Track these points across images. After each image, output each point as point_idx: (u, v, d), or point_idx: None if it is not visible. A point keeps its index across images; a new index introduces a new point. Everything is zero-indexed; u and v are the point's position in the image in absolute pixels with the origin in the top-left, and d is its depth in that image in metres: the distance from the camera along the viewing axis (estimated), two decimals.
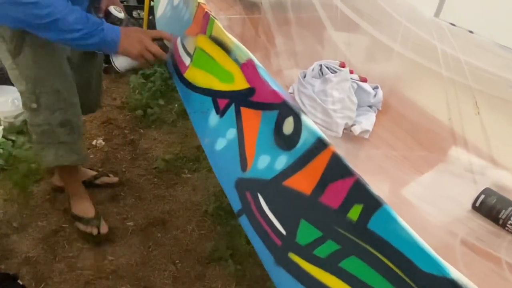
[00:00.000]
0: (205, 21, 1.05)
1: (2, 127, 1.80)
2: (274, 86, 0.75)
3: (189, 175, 1.93)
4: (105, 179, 1.77)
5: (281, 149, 0.71)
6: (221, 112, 0.91)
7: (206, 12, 1.05)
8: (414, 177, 1.02)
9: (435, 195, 0.98)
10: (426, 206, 0.92)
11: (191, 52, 1.12)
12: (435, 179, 1.04)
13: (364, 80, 1.13)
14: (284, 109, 0.71)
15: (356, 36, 1.27)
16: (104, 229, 1.53)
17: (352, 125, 1.07)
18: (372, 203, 0.52)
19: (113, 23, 1.26)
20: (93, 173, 1.76)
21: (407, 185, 0.99)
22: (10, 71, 1.20)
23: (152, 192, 1.80)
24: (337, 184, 0.58)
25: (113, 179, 1.79)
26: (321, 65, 1.09)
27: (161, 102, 2.38)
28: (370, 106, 1.14)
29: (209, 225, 1.66)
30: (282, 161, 0.70)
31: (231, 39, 0.91)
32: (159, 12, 1.49)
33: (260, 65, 0.82)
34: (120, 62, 1.14)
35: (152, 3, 2.64)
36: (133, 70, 1.22)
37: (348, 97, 1.03)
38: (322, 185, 0.61)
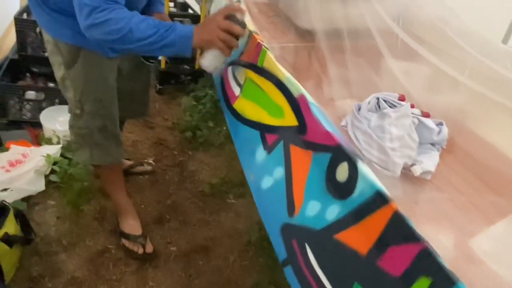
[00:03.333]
0: (257, 51, 1.03)
1: (61, 145, 1.89)
2: (328, 126, 0.69)
3: (233, 201, 1.90)
4: (140, 168, 1.98)
5: (333, 197, 0.65)
6: (269, 148, 0.86)
7: (259, 42, 1.02)
8: (483, 228, 0.90)
9: (509, 250, 0.85)
10: (497, 265, 0.80)
11: (241, 82, 1.09)
12: (509, 231, 0.92)
13: (426, 115, 1.03)
14: (338, 153, 0.65)
15: (416, 66, 1.17)
16: (149, 248, 1.56)
17: (412, 165, 0.97)
18: (444, 279, 0.44)
19: None
20: (129, 162, 1.95)
21: (475, 237, 0.87)
22: (61, 80, 1.31)
23: (196, 216, 1.79)
24: (399, 248, 0.50)
25: (146, 168, 2.00)
26: (378, 98, 1.01)
27: (210, 124, 2.40)
28: (433, 144, 1.04)
29: (251, 256, 1.61)
30: (334, 210, 0.63)
31: (283, 72, 0.87)
32: None
33: (313, 101, 0.77)
34: (207, 60, 1.06)
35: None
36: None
37: (408, 134, 0.94)
38: (380, 246, 0.53)
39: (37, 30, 2.17)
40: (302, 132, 0.76)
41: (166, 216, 1.77)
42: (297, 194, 0.72)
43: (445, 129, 1.03)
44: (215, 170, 2.10)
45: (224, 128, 2.39)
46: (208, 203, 1.87)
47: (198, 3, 3.35)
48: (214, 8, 1.71)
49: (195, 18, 2.86)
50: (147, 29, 0.99)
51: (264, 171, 0.84)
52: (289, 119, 0.82)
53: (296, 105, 0.80)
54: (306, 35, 1.26)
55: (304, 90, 0.79)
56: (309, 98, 0.77)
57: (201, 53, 1.07)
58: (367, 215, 0.57)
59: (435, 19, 1.25)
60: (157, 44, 1.00)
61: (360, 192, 0.59)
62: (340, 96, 1.21)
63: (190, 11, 3.06)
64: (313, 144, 0.72)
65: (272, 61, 0.92)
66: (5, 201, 1.41)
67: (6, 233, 1.29)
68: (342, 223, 0.61)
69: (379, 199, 0.55)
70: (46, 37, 1.25)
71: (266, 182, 0.82)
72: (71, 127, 1.40)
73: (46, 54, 1.33)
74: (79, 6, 0.99)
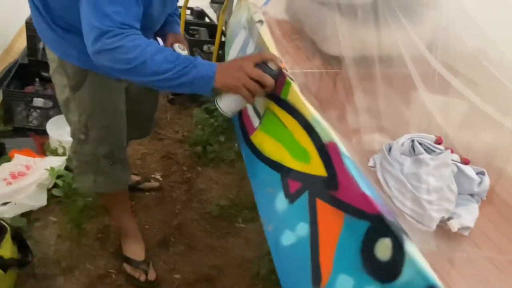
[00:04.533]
0: (280, 81, 0.93)
1: (66, 157, 1.82)
2: (367, 188, 0.59)
3: (242, 225, 1.80)
4: (147, 185, 1.89)
5: (370, 276, 0.55)
6: (291, 197, 0.76)
7: (284, 72, 0.93)
8: None
9: None
10: None
11: (261, 112, 1.00)
12: None
13: (466, 162, 0.93)
14: (379, 225, 0.55)
15: (453, 101, 1.07)
16: (152, 275, 1.47)
17: (449, 218, 0.86)
18: None
19: None
20: (137, 178, 1.85)
21: None
22: (64, 102, 1.21)
23: (203, 240, 1.69)
24: None
25: (154, 184, 1.90)
26: (413, 141, 0.91)
27: (222, 138, 2.31)
28: (471, 195, 0.93)
29: None
30: None
31: (310, 111, 0.78)
32: (230, 57, 1.41)
33: (347, 153, 0.67)
34: (225, 103, 0.94)
35: (223, 38, 2.63)
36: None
37: (447, 186, 0.84)
38: None
39: (41, 45, 2.10)
40: (332, 187, 0.66)
41: (171, 238, 1.68)
42: (324, 262, 0.62)
43: (486, 180, 0.92)
44: (225, 189, 2.00)
45: (236, 144, 2.29)
46: (215, 226, 1.78)
47: (215, 12, 3.27)
48: (234, 20, 1.63)
49: (212, 28, 2.78)
50: (163, 62, 0.87)
51: (285, 224, 0.74)
52: (316, 167, 0.73)
53: (325, 153, 0.70)
54: (332, 61, 1.16)
55: (336, 138, 0.70)
56: (342, 148, 0.67)
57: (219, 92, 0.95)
58: None
59: (474, 50, 1.14)
60: (174, 81, 0.88)
61: (407, 281, 0.49)
62: (368, 129, 1.10)
63: (206, 19, 2.99)
64: (346, 204, 0.62)
65: (298, 96, 0.83)
66: (2, 220, 1.33)
67: (1, 257, 1.21)
68: None
69: None
70: (51, 55, 1.15)
71: (287, 238, 0.72)
72: (74, 152, 1.31)
73: (49, 74, 1.23)
74: (88, 27, 0.89)
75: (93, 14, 0.87)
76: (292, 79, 0.89)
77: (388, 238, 0.53)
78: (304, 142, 0.78)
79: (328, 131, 0.71)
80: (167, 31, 1.26)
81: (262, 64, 0.89)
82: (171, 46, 1.24)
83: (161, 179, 2.01)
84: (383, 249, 0.53)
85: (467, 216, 0.88)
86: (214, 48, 2.57)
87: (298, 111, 0.82)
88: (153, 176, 2.01)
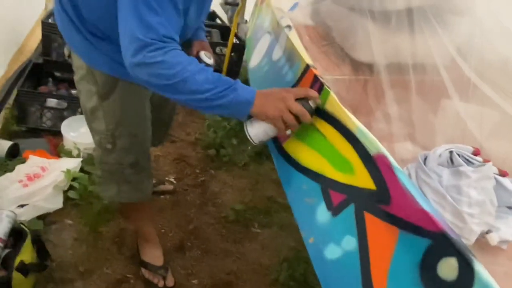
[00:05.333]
0: (315, 89, 0.92)
1: (81, 159, 1.80)
2: (425, 205, 0.57)
3: (258, 230, 1.78)
4: (162, 187, 1.87)
5: None
6: (334, 210, 0.75)
7: (318, 79, 0.91)
8: None
9: None
10: None
11: None
12: None
13: (504, 174, 0.91)
14: (443, 244, 0.53)
15: (488, 111, 1.05)
16: (170, 282, 1.45)
17: (488, 232, 0.85)
18: None
19: None
20: None
21: None
22: (91, 110, 1.17)
23: (219, 245, 1.68)
24: None
25: (168, 187, 1.89)
26: (451, 152, 0.90)
27: (234, 141, 2.29)
28: (509, 207, 0.91)
29: None
30: None
31: (354, 122, 0.76)
32: (253, 61, 1.39)
33: (398, 166, 0.65)
34: (256, 132, 0.90)
35: (235, 40, 2.61)
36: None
37: (490, 199, 0.82)
38: None
39: (66, 52, 2.07)
40: (384, 201, 0.65)
41: (187, 243, 1.66)
42: (377, 278, 0.61)
43: None
44: (239, 193, 1.99)
45: (249, 147, 2.28)
46: (231, 230, 1.76)
47: (226, 13, 3.26)
48: (254, 24, 1.61)
49: (223, 29, 2.77)
50: (204, 82, 0.84)
51: (329, 236, 0.72)
52: (362, 179, 0.71)
53: (373, 165, 0.69)
54: (363, 68, 1.15)
55: (385, 150, 0.68)
56: (392, 160, 0.66)
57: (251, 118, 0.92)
58: None
59: (506, 58, 1.13)
60: (211, 102, 0.85)
61: None
62: (399, 138, 1.09)
63: (218, 21, 2.97)
64: (401, 220, 0.61)
65: (339, 105, 0.81)
66: (23, 224, 1.31)
67: (22, 261, 1.19)
68: None
69: None
70: (78, 62, 1.11)
71: (332, 252, 0.70)
72: (99, 162, 1.27)
73: (74, 78, 1.18)
74: (129, 38, 0.84)
75: (136, 24, 0.82)
76: (329, 88, 0.87)
77: (453, 257, 0.51)
78: (347, 152, 0.77)
79: (375, 142, 0.70)
80: (193, 37, 1.24)
81: (303, 100, 0.86)
82: (197, 53, 1.22)
83: (175, 182, 1.99)
84: (448, 268, 0.52)
85: (506, 229, 0.87)
86: (227, 50, 2.56)
87: (339, 121, 0.80)
88: (167, 179, 1.99)
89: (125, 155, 1.22)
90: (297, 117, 0.85)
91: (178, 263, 1.56)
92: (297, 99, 0.86)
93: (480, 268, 0.48)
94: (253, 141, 0.91)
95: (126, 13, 0.84)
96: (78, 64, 1.12)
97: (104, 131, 1.18)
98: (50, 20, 2.12)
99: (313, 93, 0.88)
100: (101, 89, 1.11)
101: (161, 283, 1.42)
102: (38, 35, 2.31)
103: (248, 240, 1.72)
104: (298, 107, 0.85)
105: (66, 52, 2.08)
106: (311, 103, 0.87)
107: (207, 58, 1.21)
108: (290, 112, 0.85)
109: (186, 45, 1.28)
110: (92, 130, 1.23)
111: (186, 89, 0.84)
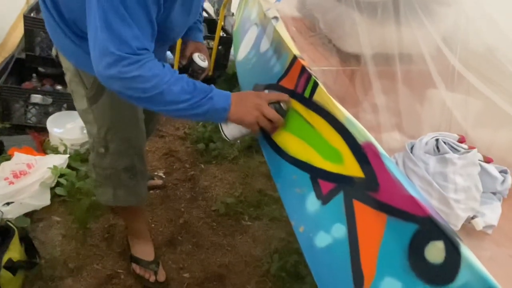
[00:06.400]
0: (303, 80, 0.92)
1: (68, 155, 1.78)
2: (413, 191, 0.58)
3: (249, 223, 1.79)
4: (151, 182, 1.83)
5: (420, 279, 0.54)
6: (323, 198, 0.75)
7: (306, 70, 0.91)
8: None
9: None
10: None
11: None
12: None
13: (489, 161, 0.93)
14: (430, 228, 0.54)
15: (474, 101, 1.07)
16: (161, 276, 1.45)
17: (474, 217, 0.87)
18: None
19: (194, 71, 1.20)
20: None
21: None
22: (82, 112, 1.15)
23: (210, 239, 1.68)
24: None
25: (157, 182, 1.87)
26: (437, 140, 0.91)
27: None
28: (493, 193, 0.93)
29: (270, 287, 1.50)
30: None
31: (342, 111, 0.77)
32: (240, 54, 1.38)
33: (386, 154, 0.66)
34: (231, 131, 0.96)
35: (222, 33, 2.60)
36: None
37: (475, 185, 0.84)
38: None
39: (53, 52, 2.01)
40: (372, 188, 0.65)
41: (178, 237, 1.66)
42: (367, 264, 0.62)
43: (509, 178, 0.93)
44: (229, 187, 1.99)
45: (238, 141, 2.28)
46: (222, 224, 1.76)
47: (213, 6, 3.24)
48: (241, 16, 1.60)
49: (210, 22, 2.75)
50: (180, 93, 0.85)
51: (319, 225, 0.73)
52: (351, 168, 0.72)
53: (362, 153, 0.69)
54: (350, 59, 1.15)
55: (372, 138, 0.69)
56: (380, 148, 0.67)
57: None
58: None
59: (491, 47, 1.14)
60: (188, 111, 0.87)
61: (464, 284, 0.49)
62: (387, 128, 1.10)
63: (204, 14, 2.94)
64: (388, 206, 0.62)
65: (327, 96, 0.82)
66: (9, 221, 1.29)
67: (10, 259, 1.18)
68: None
69: None
70: (65, 63, 1.08)
71: (322, 240, 0.71)
72: (93, 166, 1.24)
73: (65, 79, 1.15)
74: (101, 50, 0.80)
75: (107, 37, 0.79)
76: (317, 79, 0.87)
77: (440, 241, 0.52)
78: (335, 142, 0.77)
79: (363, 131, 0.70)
80: (188, 38, 1.21)
81: (276, 104, 0.91)
82: (191, 55, 1.20)
83: (164, 176, 1.98)
84: (435, 252, 0.53)
85: (491, 214, 0.88)
86: (214, 44, 2.54)
87: (327, 111, 0.80)
88: (156, 174, 1.98)
89: (119, 159, 1.19)
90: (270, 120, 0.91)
91: (169, 257, 1.56)
92: (270, 103, 0.90)
93: (466, 251, 0.50)
94: (227, 138, 0.96)
95: (96, 22, 0.79)
96: (66, 65, 1.09)
97: (96, 134, 1.15)
98: (32, 14, 2.08)
99: (284, 96, 0.92)
100: (89, 92, 1.08)
101: (152, 278, 1.42)
102: (20, 30, 2.26)
103: (239, 233, 1.73)
104: (271, 113, 0.89)
105: (54, 52, 2.03)
106: (282, 105, 0.91)
107: (201, 60, 1.20)
108: (265, 117, 0.89)
109: (181, 46, 1.27)
110: (87, 132, 1.21)
111: (162, 101, 0.85)
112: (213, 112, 0.89)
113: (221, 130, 0.96)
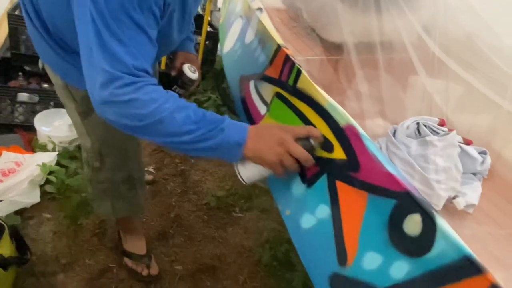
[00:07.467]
0: (288, 68, 0.94)
1: (56, 153, 1.77)
2: (391, 167, 0.60)
3: (240, 215, 1.81)
4: None
5: (399, 251, 0.57)
6: (308, 181, 0.77)
7: (290, 59, 0.93)
8: None
9: None
10: None
11: (268, 100, 1.00)
12: None
13: (469, 142, 0.96)
14: (407, 202, 0.56)
15: (453, 85, 1.10)
16: (154, 270, 1.46)
17: (455, 197, 0.90)
18: None
19: (184, 82, 1.14)
20: None
21: None
22: (76, 126, 1.12)
23: (201, 231, 1.69)
24: None
25: (147, 177, 1.81)
26: (418, 123, 0.94)
27: None
28: (474, 174, 0.96)
29: (262, 276, 1.52)
30: (402, 268, 0.55)
31: (325, 97, 0.79)
32: (226, 46, 1.40)
33: (366, 135, 0.68)
34: (248, 172, 0.79)
35: (209, 28, 2.60)
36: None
37: (455, 165, 0.87)
38: None
39: (40, 64, 1.99)
40: (353, 168, 0.68)
41: (169, 231, 1.67)
42: (349, 240, 0.64)
43: (488, 159, 0.96)
44: (220, 180, 2.00)
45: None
46: (213, 216, 1.78)
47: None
48: (227, 9, 1.61)
49: (197, 17, 2.74)
50: (185, 122, 0.72)
51: (304, 207, 0.75)
52: (335, 151, 0.74)
53: (343, 136, 0.72)
54: (333, 48, 1.18)
55: (353, 120, 0.71)
56: (360, 130, 0.69)
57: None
58: (451, 282, 0.49)
59: (470, 33, 1.17)
60: (194, 145, 0.73)
61: (440, 253, 0.51)
62: (370, 114, 1.13)
63: None
64: (369, 185, 0.64)
65: (310, 83, 0.84)
66: (0, 218, 1.29)
67: (1, 255, 1.18)
68: (415, 285, 0.53)
69: (468, 267, 0.47)
70: (53, 77, 1.01)
71: (307, 221, 0.73)
72: (89, 181, 1.20)
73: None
74: (93, 69, 0.70)
75: (100, 54, 0.69)
76: (300, 67, 0.89)
77: (417, 214, 0.55)
78: (319, 127, 0.79)
79: (345, 114, 0.73)
80: (178, 48, 1.15)
81: (304, 140, 0.75)
82: (181, 66, 1.14)
83: (154, 172, 1.99)
84: (413, 224, 0.55)
85: (472, 194, 0.91)
86: (201, 39, 2.55)
87: (311, 97, 0.82)
88: (146, 169, 1.98)
89: (117, 172, 1.16)
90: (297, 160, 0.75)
91: (161, 250, 1.57)
92: (297, 139, 0.75)
93: (442, 222, 0.52)
94: (244, 181, 0.81)
95: (88, 41, 0.70)
96: (53, 79, 1.03)
97: (90, 149, 1.11)
98: (16, 12, 2.06)
99: (316, 131, 0.76)
100: (80, 106, 1.02)
101: (145, 272, 1.43)
102: (4, 28, 2.23)
103: (230, 225, 1.75)
104: (299, 151, 0.73)
105: (40, 64, 2.00)
106: (312, 142, 0.76)
107: (191, 72, 1.13)
108: (290, 155, 0.74)
109: (171, 56, 1.20)
110: (81, 145, 1.17)
111: (163, 131, 0.72)
112: (225, 147, 0.74)
113: (236, 170, 0.81)
